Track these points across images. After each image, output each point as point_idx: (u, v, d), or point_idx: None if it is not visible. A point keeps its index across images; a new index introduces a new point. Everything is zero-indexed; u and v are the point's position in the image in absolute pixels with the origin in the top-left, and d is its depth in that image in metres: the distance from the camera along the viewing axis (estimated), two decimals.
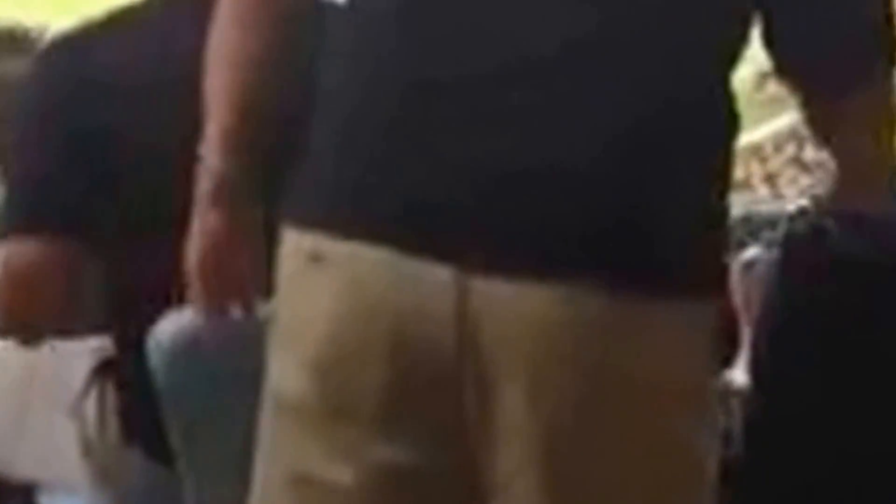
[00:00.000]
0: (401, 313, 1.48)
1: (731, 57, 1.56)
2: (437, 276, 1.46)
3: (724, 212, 1.55)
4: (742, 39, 1.56)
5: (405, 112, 1.50)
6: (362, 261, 1.48)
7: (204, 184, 1.64)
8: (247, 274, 1.63)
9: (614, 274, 1.45)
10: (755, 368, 1.81)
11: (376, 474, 1.51)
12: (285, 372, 1.55)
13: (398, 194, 1.49)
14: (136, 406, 2.04)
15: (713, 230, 1.53)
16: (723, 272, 1.56)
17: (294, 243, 1.54)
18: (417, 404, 1.50)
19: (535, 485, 1.48)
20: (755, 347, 1.80)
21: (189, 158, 1.92)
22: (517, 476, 1.48)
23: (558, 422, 1.46)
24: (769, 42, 1.59)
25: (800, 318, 1.77)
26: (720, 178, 1.54)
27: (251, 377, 1.82)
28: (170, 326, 1.92)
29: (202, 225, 1.63)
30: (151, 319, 1.93)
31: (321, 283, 1.50)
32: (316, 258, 1.50)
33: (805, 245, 1.76)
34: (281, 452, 1.56)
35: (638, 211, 1.47)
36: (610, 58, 1.48)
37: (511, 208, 1.46)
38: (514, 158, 1.47)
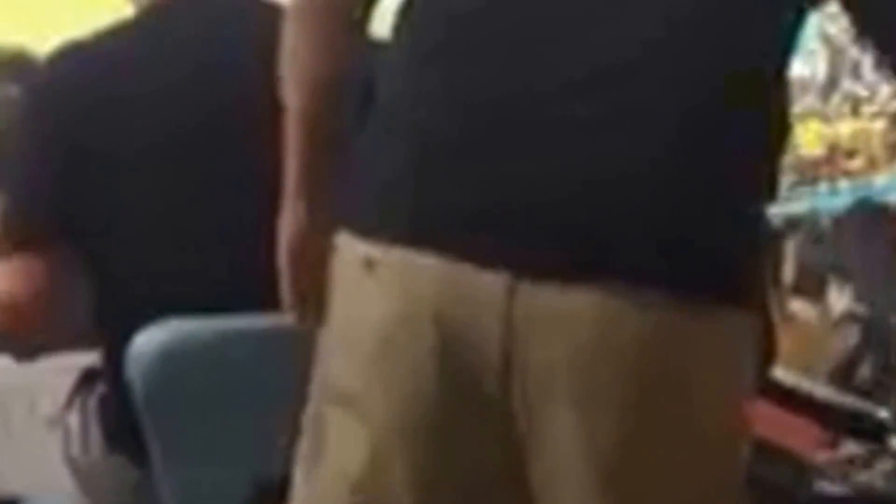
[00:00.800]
0: (449, 318, 1.53)
1: (780, 64, 1.58)
2: (486, 281, 1.51)
3: (764, 220, 1.58)
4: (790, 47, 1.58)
5: (454, 126, 1.54)
6: (413, 267, 1.53)
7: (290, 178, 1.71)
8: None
9: (668, 280, 1.49)
10: None
11: (428, 472, 1.57)
12: (341, 371, 1.61)
13: (447, 202, 1.55)
14: (119, 415, 2.07)
15: (759, 239, 1.59)
16: (764, 281, 1.59)
17: (349, 250, 1.60)
18: (466, 405, 1.54)
19: (585, 481, 1.51)
20: None
21: (179, 165, 1.96)
22: (568, 475, 1.52)
23: (608, 422, 1.50)
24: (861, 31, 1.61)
25: None
26: (768, 187, 1.60)
27: (230, 390, 1.85)
28: (149, 339, 1.95)
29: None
30: (134, 331, 1.96)
31: (374, 289, 1.56)
32: (369, 265, 1.55)
33: None
34: (340, 447, 1.59)
35: (695, 219, 1.51)
36: (662, 72, 1.52)
37: (561, 214, 1.51)
38: (564, 167, 1.51)
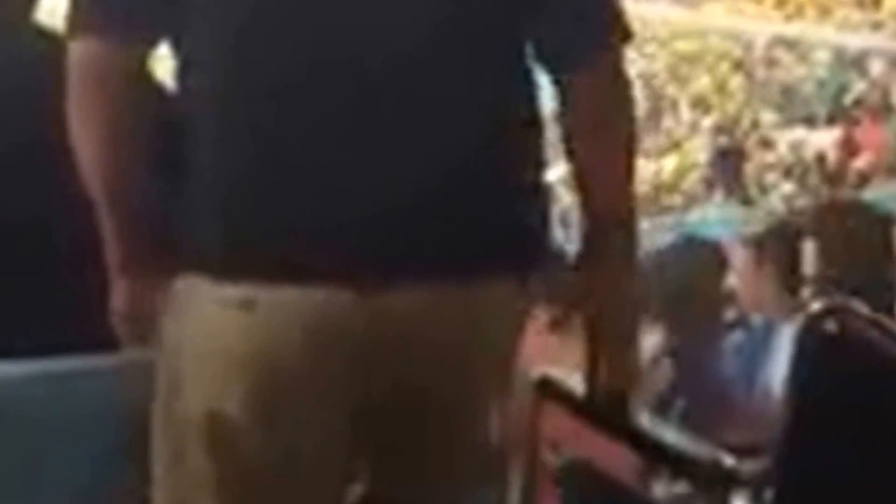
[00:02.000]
0: (323, 339, 1.65)
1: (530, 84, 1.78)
2: (345, 298, 1.64)
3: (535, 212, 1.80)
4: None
5: (277, 157, 1.65)
6: (290, 300, 1.63)
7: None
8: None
9: (460, 270, 1.69)
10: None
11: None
12: (217, 395, 1.68)
13: (297, 233, 1.65)
14: None
15: (539, 225, 1.80)
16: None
17: (208, 294, 1.66)
18: (333, 407, 1.69)
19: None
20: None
21: None
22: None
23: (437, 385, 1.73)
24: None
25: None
26: (536, 175, 1.79)
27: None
28: None
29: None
30: None
31: (254, 326, 1.64)
32: (248, 305, 1.63)
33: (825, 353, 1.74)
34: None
35: (475, 218, 1.70)
36: (435, 96, 1.68)
37: (383, 231, 1.66)
38: (376, 185, 1.66)
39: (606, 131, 1.77)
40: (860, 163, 13.35)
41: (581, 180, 1.78)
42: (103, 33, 1.68)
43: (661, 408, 3.18)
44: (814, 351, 1.73)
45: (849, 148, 13.83)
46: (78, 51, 1.69)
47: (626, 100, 1.79)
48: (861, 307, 1.71)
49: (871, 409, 1.68)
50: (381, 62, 1.65)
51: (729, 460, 1.77)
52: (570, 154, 1.77)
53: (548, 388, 1.95)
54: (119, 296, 1.77)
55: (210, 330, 1.68)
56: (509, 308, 1.77)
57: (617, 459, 1.96)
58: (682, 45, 17.46)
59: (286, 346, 1.65)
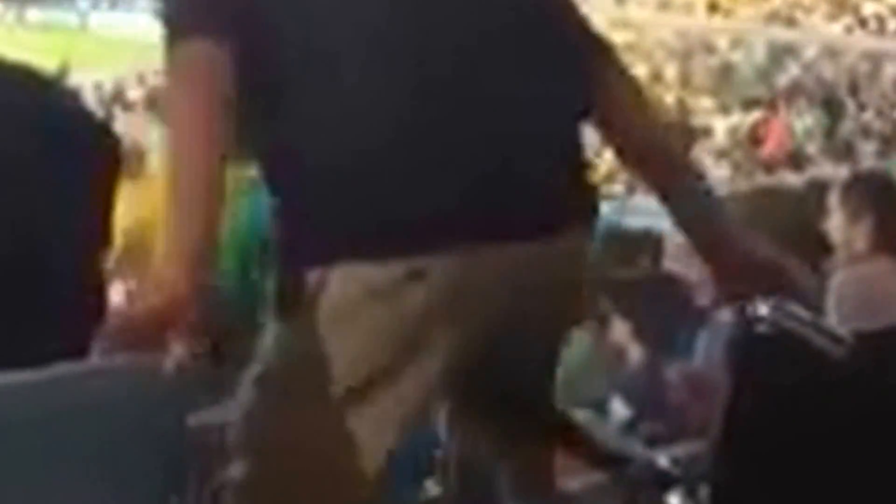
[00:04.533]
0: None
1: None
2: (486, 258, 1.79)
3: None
4: None
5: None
6: (466, 264, 1.76)
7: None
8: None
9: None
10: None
11: None
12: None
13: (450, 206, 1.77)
14: None
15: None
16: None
17: (368, 274, 1.75)
18: None
19: None
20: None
21: None
22: None
23: None
24: None
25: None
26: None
27: None
28: None
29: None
30: None
31: (422, 293, 1.75)
32: (418, 275, 1.73)
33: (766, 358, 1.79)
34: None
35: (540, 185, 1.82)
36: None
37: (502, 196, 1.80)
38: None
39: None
40: (767, 150, 13.45)
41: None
42: (220, 33, 1.75)
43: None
44: (749, 352, 1.78)
45: (759, 135, 13.93)
46: (194, 50, 1.75)
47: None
48: (794, 307, 1.77)
49: (804, 408, 1.73)
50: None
51: (663, 460, 1.79)
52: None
53: None
54: (174, 288, 1.72)
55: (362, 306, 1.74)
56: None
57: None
58: (619, 36, 17.57)
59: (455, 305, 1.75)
